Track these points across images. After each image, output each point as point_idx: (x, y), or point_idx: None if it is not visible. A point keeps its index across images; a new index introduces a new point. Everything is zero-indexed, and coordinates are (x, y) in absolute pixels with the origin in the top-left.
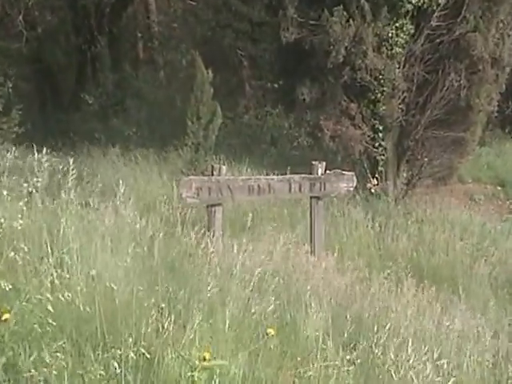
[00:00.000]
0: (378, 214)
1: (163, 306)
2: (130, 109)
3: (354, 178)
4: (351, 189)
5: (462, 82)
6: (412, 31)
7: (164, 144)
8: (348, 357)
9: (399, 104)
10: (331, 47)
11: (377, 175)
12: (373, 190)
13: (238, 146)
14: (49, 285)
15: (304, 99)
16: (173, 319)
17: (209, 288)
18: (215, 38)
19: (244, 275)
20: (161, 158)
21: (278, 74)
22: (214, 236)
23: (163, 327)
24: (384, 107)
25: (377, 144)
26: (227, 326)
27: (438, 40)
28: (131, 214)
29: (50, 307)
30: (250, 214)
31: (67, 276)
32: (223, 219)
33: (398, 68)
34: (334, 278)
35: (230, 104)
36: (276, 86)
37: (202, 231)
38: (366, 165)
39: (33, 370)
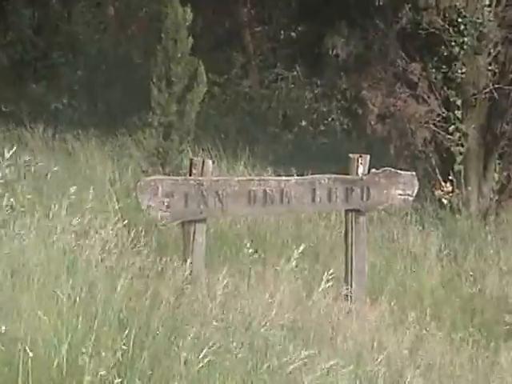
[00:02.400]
0: (453, 239)
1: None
2: (60, 67)
3: (416, 180)
4: (410, 198)
5: None
6: None
7: (114, 124)
8: None
9: (489, 64)
10: None
11: (452, 177)
12: (445, 201)
13: (233, 129)
14: None
15: (337, 55)
16: None
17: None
18: None
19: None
20: (109, 145)
21: (296, 16)
22: (191, 271)
23: None
24: (464, 69)
25: (452, 127)
26: None
27: None
28: (61, 238)
29: None
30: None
31: None
32: (207, 244)
33: (489, 6)
34: (384, 338)
35: (219, 62)
36: (293, 34)
37: (176, 263)
38: (434, 160)
39: None
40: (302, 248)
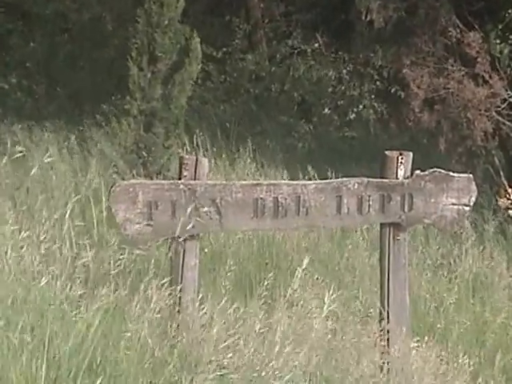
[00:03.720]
0: None
1: None
2: (8, 37)
3: (474, 185)
4: (467, 208)
5: None
6: None
7: (80, 112)
8: None
9: None
10: None
11: None
12: None
13: (235, 119)
14: None
15: (371, 22)
16: None
17: None
18: None
19: None
20: (74, 140)
21: None
22: (182, 303)
23: None
24: None
25: None
26: None
27: None
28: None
29: None
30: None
31: None
32: (201, 267)
33: None
34: None
35: (217, 31)
36: None
37: (161, 292)
38: (498, 159)
39: None
40: (306, 261)
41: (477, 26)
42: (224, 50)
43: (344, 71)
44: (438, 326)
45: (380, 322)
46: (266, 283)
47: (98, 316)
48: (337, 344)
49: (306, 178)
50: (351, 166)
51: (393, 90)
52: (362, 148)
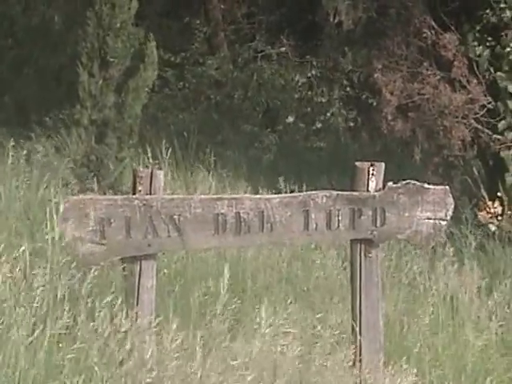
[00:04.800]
0: (505, 281)
1: None
2: None
3: (451, 198)
4: (443, 223)
5: None
6: None
7: (26, 122)
8: None
9: None
10: None
11: (502, 193)
12: (492, 227)
13: (194, 128)
14: None
15: (340, 24)
16: None
17: None
18: None
19: None
20: (19, 152)
21: None
22: (138, 328)
23: None
24: None
25: (502, 123)
26: None
27: None
28: None
29: None
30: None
31: None
32: (157, 289)
33: None
34: None
35: (175, 34)
36: None
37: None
38: (476, 170)
39: None
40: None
41: (453, 27)
42: (182, 54)
43: (311, 76)
44: (415, 350)
45: (352, 345)
46: (231, 306)
47: (47, 343)
48: (306, 371)
49: (271, 191)
50: (319, 178)
51: (364, 97)
52: (330, 159)
